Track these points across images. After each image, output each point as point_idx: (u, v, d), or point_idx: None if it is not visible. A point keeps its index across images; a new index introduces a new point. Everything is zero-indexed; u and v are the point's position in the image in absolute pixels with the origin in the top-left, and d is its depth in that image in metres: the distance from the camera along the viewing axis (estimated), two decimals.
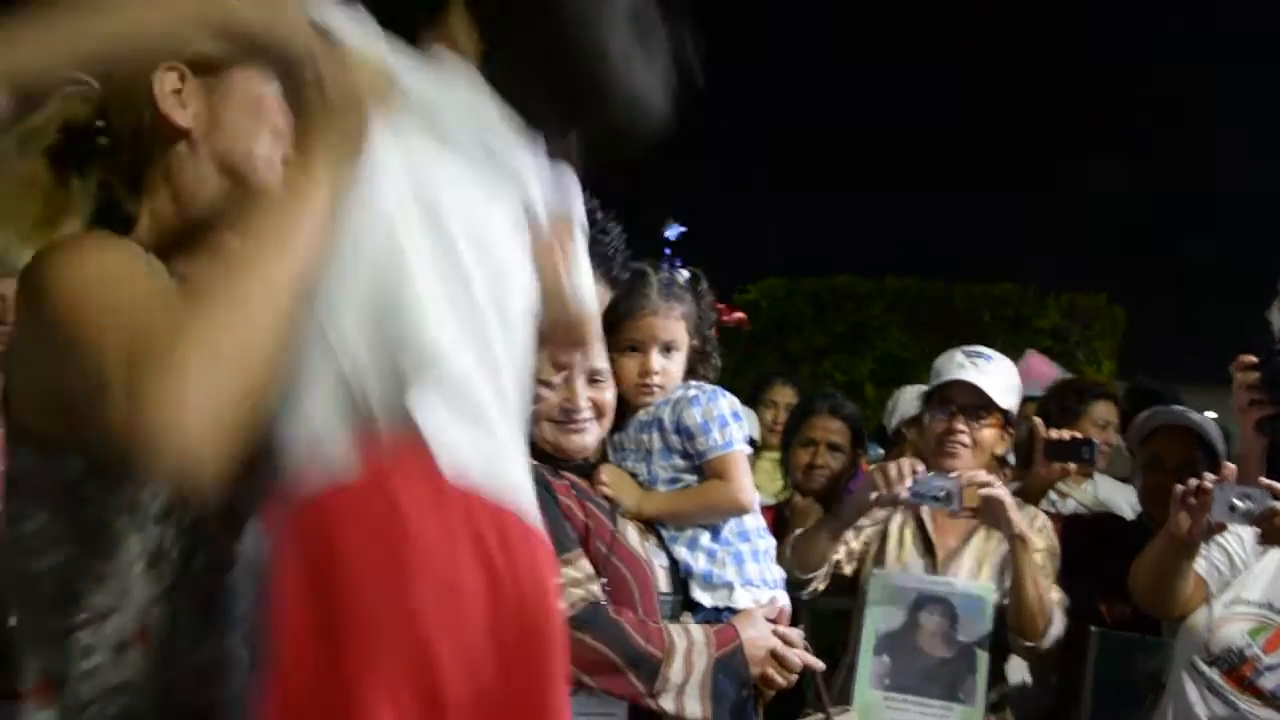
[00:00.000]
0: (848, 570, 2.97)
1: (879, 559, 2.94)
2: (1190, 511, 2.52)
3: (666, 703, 1.87)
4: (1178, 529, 2.54)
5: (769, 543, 2.19)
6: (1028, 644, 2.75)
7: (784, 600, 2.16)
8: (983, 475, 2.77)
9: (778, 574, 2.16)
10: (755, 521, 2.16)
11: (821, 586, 2.91)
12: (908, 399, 3.91)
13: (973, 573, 2.88)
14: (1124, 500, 3.76)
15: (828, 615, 3.34)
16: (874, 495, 2.71)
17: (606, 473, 2.10)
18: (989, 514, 2.77)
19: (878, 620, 2.85)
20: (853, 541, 2.98)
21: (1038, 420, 3.27)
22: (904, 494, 2.68)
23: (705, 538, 2.09)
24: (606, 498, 2.07)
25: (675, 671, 1.88)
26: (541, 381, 1.94)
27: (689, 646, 1.92)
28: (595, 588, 1.90)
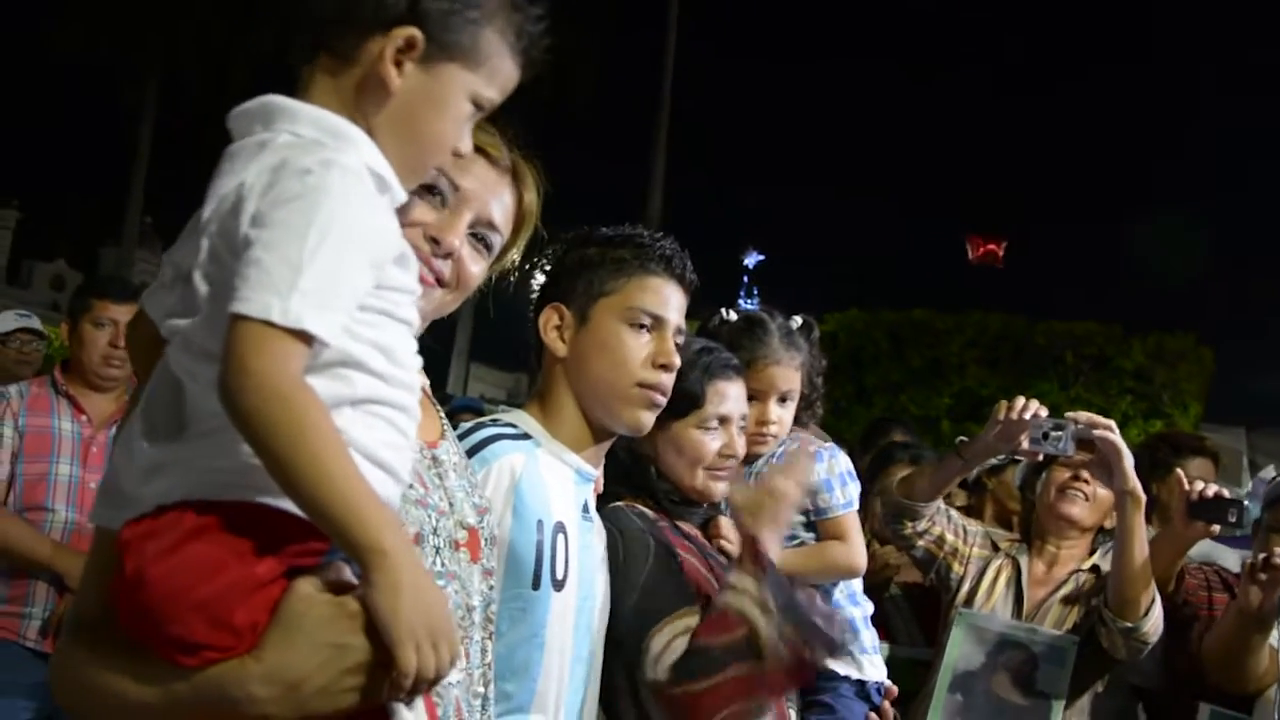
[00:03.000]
0: (941, 552, 2.95)
1: (969, 599, 2.94)
2: (1260, 586, 2.46)
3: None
4: (1247, 604, 2.49)
5: (868, 608, 2.20)
6: (1126, 625, 2.61)
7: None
8: (1101, 419, 2.71)
9: (875, 640, 2.17)
10: (859, 585, 2.18)
11: (920, 544, 2.90)
12: None
13: (1058, 624, 2.85)
14: (1222, 561, 3.69)
15: (907, 664, 3.32)
16: (995, 431, 2.66)
17: (725, 526, 2.11)
18: (1101, 462, 2.70)
19: (956, 658, 2.84)
20: (963, 542, 2.98)
21: (1180, 472, 3.11)
22: (1025, 443, 2.63)
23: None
24: (724, 552, 2.08)
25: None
26: (702, 426, 1.81)
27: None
28: None
